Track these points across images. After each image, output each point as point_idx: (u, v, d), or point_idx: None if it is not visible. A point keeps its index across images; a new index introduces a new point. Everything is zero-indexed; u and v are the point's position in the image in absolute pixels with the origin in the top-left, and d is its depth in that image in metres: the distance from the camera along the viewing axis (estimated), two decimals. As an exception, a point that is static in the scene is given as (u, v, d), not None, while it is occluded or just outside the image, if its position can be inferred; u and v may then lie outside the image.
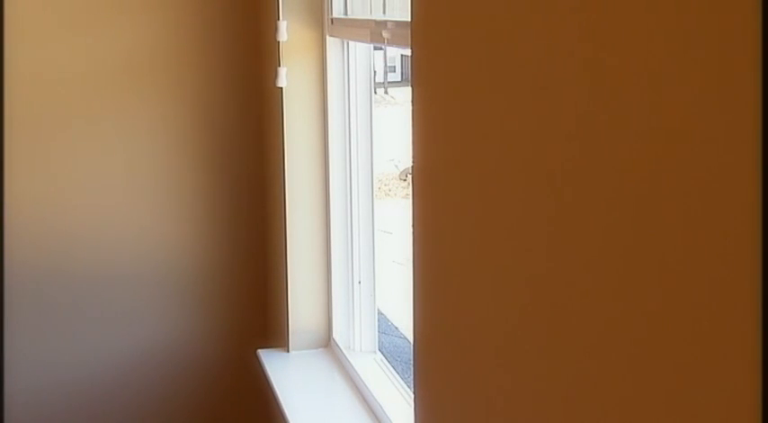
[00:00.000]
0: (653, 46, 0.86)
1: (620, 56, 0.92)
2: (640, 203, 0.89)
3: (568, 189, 1.04)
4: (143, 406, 3.19)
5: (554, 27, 1.05)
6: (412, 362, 1.63)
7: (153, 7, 3.01)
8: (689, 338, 0.83)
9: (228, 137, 3.13)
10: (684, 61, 0.81)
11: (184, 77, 3.07)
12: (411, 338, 1.63)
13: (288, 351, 2.93)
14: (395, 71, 9.24)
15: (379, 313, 2.98)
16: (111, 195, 3.06)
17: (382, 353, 2.80)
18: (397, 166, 7.68)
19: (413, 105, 1.54)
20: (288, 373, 2.81)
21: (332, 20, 2.72)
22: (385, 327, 4.50)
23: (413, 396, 1.66)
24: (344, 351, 2.81)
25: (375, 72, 2.87)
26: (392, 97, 9.15)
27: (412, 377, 1.65)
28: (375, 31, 2.33)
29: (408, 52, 1.59)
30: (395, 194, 7.63)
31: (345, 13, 2.70)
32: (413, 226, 1.57)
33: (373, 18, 2.41)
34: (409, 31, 1.54)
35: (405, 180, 7.41)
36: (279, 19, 2.71)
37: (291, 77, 2.76)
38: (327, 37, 2.75)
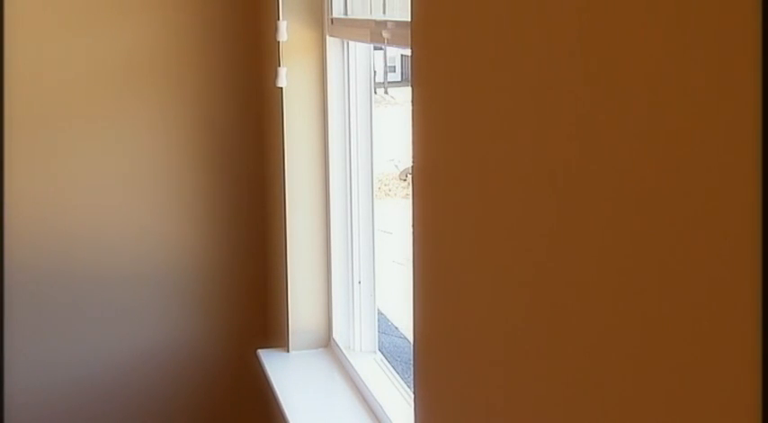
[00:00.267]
0: (653, 46, 0.86)
1: (621, 56, 0.92)
2: (640, 203, 0.89)
3: (568, 189, 1.04)
4: (143, 406, 3.19)
5: (554, 27, 1.05)
6: (412, 362, 1.63)
7: (153, 7, 3.01)
8: (689, 339, 0.83)
9: (228, 137, 3.13)
10: (684, 61, 0.81)
11: (184, 77, 3.07)
12: (411, 338, 1.63)
13: (288, 351, 2.93)
14: (395, 71, 9.24)
15: (379, 313, 2.98)
16: (111, 195, 3.06)
17: (382, 353, 2.80)
18: (397, 166, 7.68)
19: (413, 105, 1.54)
20: (288, 373, 2.81)
21: (332, 20, 2.72)
22: (385, 327, 4.50)
23: (413, 396, 1.66)
24: (344, 351, 2.81)
25: (375, 72, 2.87)
26: (392, 97, 9.15)
27: (412, 377, 1.65)
28: (375, 31, 2.33)
29: (408, 52, 1.59)
30: (395, 194, 7.63)
31: (345, 13, 2.70)
32: (413, 226, 1.57)
33: (373, 18, 2.41)
34: (409, 31, 1.54)
35: (405, 180, 7.41)
36: (279, 19, 2.71)
37: (291, 77, 2.76)
38: (327, 37, 2.75)
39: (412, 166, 1.57)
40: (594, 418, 1.02)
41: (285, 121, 2.81)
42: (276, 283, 3.07)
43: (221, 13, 3.06)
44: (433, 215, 1.50)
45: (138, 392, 3.18)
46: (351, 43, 2.72)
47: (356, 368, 2.68)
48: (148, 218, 3.11)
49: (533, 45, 1.10)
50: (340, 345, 2.85)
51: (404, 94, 7.82)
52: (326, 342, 2.95)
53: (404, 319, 4.27)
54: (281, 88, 2.76)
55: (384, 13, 2.42)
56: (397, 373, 2.63)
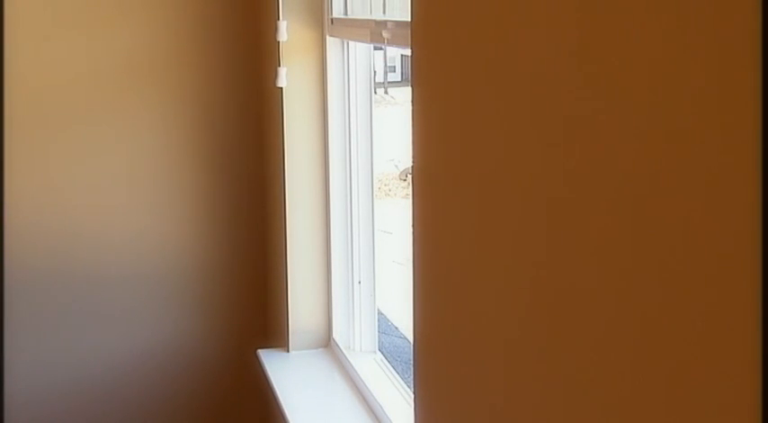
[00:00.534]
0: (653, 46, 0.86)
1: (621, 56, 0.92)
2: (640, 204, 0.89)
3: (568, 189, 1.04)
4: (143, 406, 3.19)
5: (554, 27, 1.05)
6: (412, 362, 1.63)
7: (153, 7, 3.01)
8: (689, 339, 0.83)
9: (228, 137, 3.13)
10: (684, 61, 0.81)
11: (184, 77, 3.07)
12: (411, 338, 1.63)
13: (288, 351, 2.93)
14: (395, 71, 9.24)
15: (379, 313, 2.98)
16: (111, 195, 3.06)
17: (382, 353, 2.80)
18: (397, 166, 7.68)
19: (413, 105, 1.54)
20: (288, 373, 2.81)
21: (332, 20, 2.72)
22: (385, 327, 4.50)
23: (413, 396, 1.66)
24: (344, 351, 2.81)
25: (375, 72, 2.87)
26: (392, 97, 9.15)
27: (412, 377, 1.65)
28: (375, 31, 2.33)
29: (408, 52, 1.58)
30: (395, 194, 7.63)
31: (345, 13, 2.70)
32: (413, 226, 1.57)
33: (373, 18, 2.41)
34: (409, 31, 1.54)
35: (405, 180, 7.41)
36: (279, 19, 2.71)
37: (291, 77, 2.76)
38: (327, 37, 2.75)
39: (412, 166, 1.57)
40: (595, 418, 1.02)
41: (285, 121, 2.81)
42: (276, 283, 3.07)
43: (221, 13, 3.06)
44: (433, 215, 1.49)
45: (138, 392, 3.18)
46: (351, 43, 2.72)
47: (356, 368, 2.68)
48: (148, 218, 3.11)
49: (533, 45, 1.10)
50: (340, 345, 2.84)
51: (404, 94, 7.82)
52: (326, 342, 2.95)
53: (404, 319, 4.27)
54: (281, 88, 2.76)
55: (384, 13, 2.42)
56: (397, 373, 2.63)
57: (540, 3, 1.09)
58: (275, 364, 2.86)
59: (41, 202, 3.02)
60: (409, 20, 1.54)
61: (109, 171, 3.05)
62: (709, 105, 0.78)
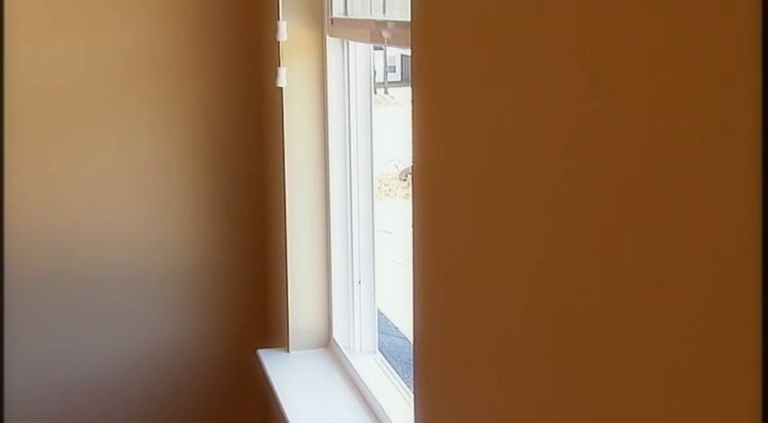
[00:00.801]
0: (653, 46, 0.86)
1: (621, 56, 0.92)
2: (640, 204, 0.89)
3: (568, 189, 1.04)
4: (143, 406, 3.19)
5: (554, 27, 1.05)
6: (412, 362, 1.63)
7: (153, 7, 3.01)
8: (689, 339, 0.83)
9: (228, 137, 3.13)
10: (684, 61, 0.81)
11: (184, 78, 3.07)
12: (411, 338, 1.63)
13: (288, 351, 2.93)
14: (395, 71, 9.24)
15: (379, 313, 2.98)
16: (111, 195, 3.06)
17: (382, 353, 2.80)
18: (397, 166, 7.68)
19: (413, 105, 1.54)
20: (288, 373, 2.81)
21: (332, 20, 2.72)
22: (385, 327, 4.50)
23: (413, 396, 1.66)
24: (344, 351, 2.81)
25: (375, 72, 2.87)
26: (392, 97, 9.14)
27: (412, 377, 1.65)
28: (375, 31, 2.33)
29: (408, 52, 1.58)
30: (395, 194, 7.63)
31: (345, 13, 2.70)
32: (413, 226, 1.57)
33: (373, 18, 2.41)
34: (409, 31, 1.54)
35: (405, 180, 7.41)
36: (279, 19, 2.71)
37: (291, 77, 2.76)
38: (327, 37, 2.75)
39: (412, 166, 1.57)
40: (594, 418, 1.02)
41: (285, 121, 2.81)
42: (276, 283, 3.07)
43: (221, 13, 3.06)
44: (433, 215, 1.49)
45: (138, 392, 3.18)
46: (351, 43, 2.72)
47: (356, 368, 2.68)
48: (148, 218, 3.11)
49: (533, 45, 1.10)
50: (340, 345, 2.84)
51: (404, 94, 7.82)
52: (326, 342, 2.95)
53: (404, 319, 4.27)
54: (281, 88, 2.76)
55: (384, 13, 2.42)
56: (397, 373, 2.63)
57: (540, 3, 1.09)
58: (275, 364, 2.86)
59: (41, 202, 3.02)
60: (409, 20, 1.54)
61: (109, 171, 3.05)
62: (709, 105, 0.78)
